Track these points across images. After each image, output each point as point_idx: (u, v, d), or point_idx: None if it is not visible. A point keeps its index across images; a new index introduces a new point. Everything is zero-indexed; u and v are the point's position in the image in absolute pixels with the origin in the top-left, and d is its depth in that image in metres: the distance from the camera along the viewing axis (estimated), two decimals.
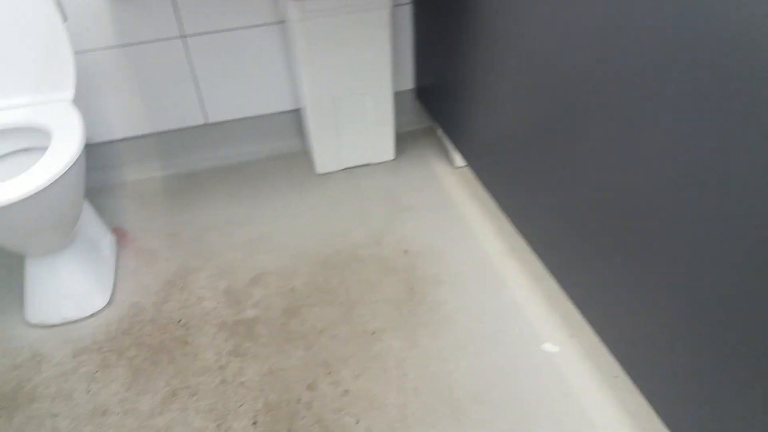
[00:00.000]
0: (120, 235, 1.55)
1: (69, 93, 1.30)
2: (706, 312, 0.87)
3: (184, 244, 1.53)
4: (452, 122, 1.66)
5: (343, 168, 1.77)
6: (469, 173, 1.74)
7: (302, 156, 1.83)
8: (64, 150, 1.12)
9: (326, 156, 1.72)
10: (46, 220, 1.13)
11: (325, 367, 1.23)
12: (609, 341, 1.12)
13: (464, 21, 1.42)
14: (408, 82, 1.87)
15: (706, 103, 0.78)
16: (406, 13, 1.73)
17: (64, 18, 1.27)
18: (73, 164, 1.11)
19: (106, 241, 1.46)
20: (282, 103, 1.78)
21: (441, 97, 1.69)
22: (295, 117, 1.82)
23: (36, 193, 1.03)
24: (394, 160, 1.80)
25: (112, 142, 1.68)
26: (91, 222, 1.42)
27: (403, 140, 1.87)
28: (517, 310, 1.34)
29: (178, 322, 1.33)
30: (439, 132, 1.86)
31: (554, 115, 1.13)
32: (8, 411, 1.17)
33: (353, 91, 1.61)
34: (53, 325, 1.32)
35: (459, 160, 1.74)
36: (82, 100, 1.59)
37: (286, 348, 1.27)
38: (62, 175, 1.08)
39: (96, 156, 1.70)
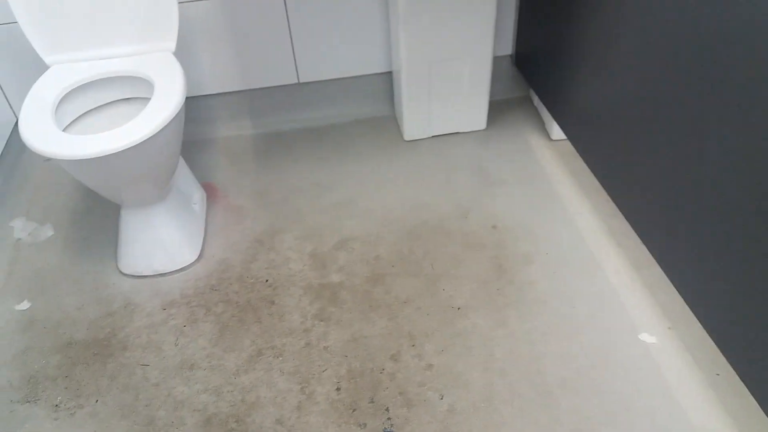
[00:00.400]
0: (210, 190, 1.56)
1: (171, 44, 1.30)
2: None
3: (271, 204, 1.53)
4: (553, 91, 1.56)
5: (431, 135, 1.71)
6: (566, 147, 1.64)
7: (390, 121, 1.78)
8: (167, 102, 1.12)
9: (415, 122, 1.66)
10: (146, 170, 1.14)
11: (408, 338, 1.20)
12: (717, 335, 1.03)
13: None
14: (507, 48, 1.77)
15: None
16: None
17: None
18: (175, 116, 1.11)
19: (198, 196, 1.47)
20: (374, 65, 1.73)
21: (542, 65, 1.59)
22: (385, 80, 1.76)
23: (140, 143, 1.04)
24: (485, 129, 1.73)
25: (205, 96, 1.69)
26: (184, 176, 1.43)
27: (497, 109, 1.78)
28: (612, 296, 1.26)
29: (265, 281, 1.33)
30: (536, 101, 1.76)
31: (673, 89, 1.02)
32: (102, 357, 1.21)
33: (450, 56, 1.53)
34: (144, 276, 1.36)
35: (557, 132, 1.65)
36: (178, 52, 1.60)
37: (369, 316, 1.25)
38: (164, 126, 1.08)
39: (189, 109, 1.72)
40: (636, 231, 1.25)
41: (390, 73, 1.75)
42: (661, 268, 1.17)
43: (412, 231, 1.44)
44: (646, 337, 1.19)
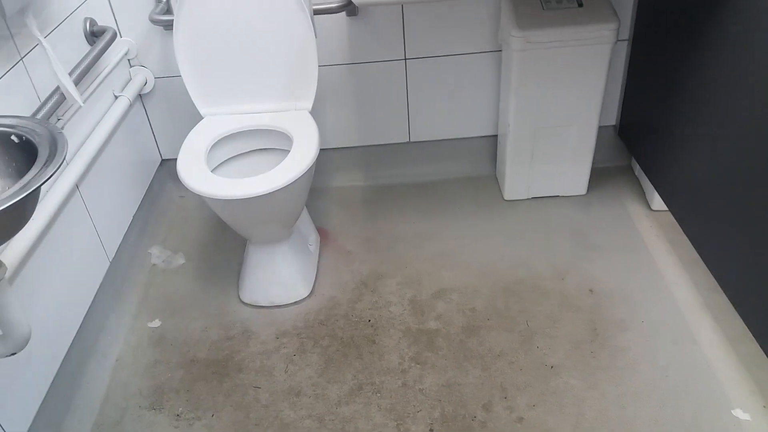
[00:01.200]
0: (324, 234, 1.71)
1: (309, 104, 1.48)
2: None
3: (377, 250, 1.65)
4: (655, 161, 1.60)
5: (531, 197, 1.79)
6: (666, 218, 1.67)
7: (491, 181, 1.88)
8: (304, 155, 1.29)
9: (516, 183, 1.75)
10: (278, 213, 1.30)
11: (501, 390, 1.26)
12: None
13: (687, 59, 1.38)
14: (611, 118, 1.84)
15: None
16: (622, 49, 1.71)
17: (315, 35, 1.44)
18: (309, 168, 1.26)
19: (313, 238, 1.63)
20: (481, 128, 1.85)
21: (645, 135, 1.65)
22: (489, 142, 1.87)
23: (278, 190, 1.20)
24: (585, 195, 1.78)
25: (326, 149, 1.87)
26: (304, 219, 1.59)
27: (598, 176, 1.84)
28: (706, 368, 1.27)
29: (368, 321, 1.44)
30: (638, 171, 1.80)
31: None
32: (219, 376, 1.35)
33: (557, 123, 1.62)
34: (262, 307, 1.50)
35: (657, 202, 1.68)
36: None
37: (463, 364, 1.32)
38: (301, 175, 1.24)
39: None
40: (735, 306, 1.26)
41: (494, 136, 1.86)
42: (759, 345, 1.17)
43: (508, 287, 1.51)
44: (739, 414, 1.18)
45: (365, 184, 1.91)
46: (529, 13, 1.48)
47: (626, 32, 1.68)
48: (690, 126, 1.38)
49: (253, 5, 1.38)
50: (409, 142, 1.87)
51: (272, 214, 1.29)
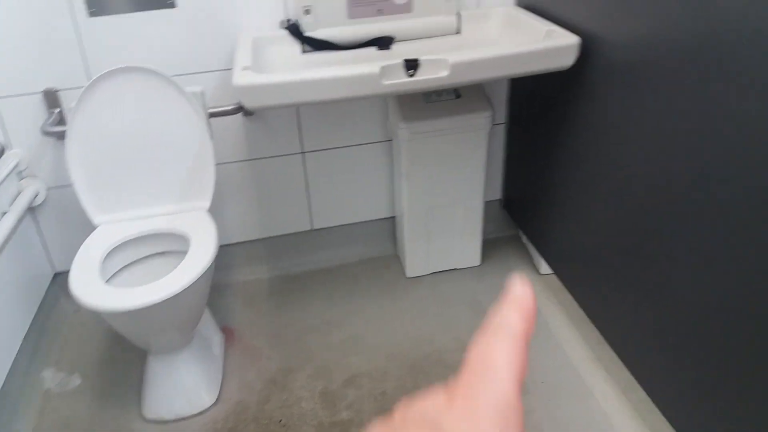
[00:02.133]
0: (228, 333, 1.69)
1: (206, 203, 1.50)
2: None
3: (284, 343, 1.65)
4: (538, 230, 1.74)
5: (431, 272, 1.87)
6: (554, 280, 1.79)
7: (394, 260, 1.95)
8: (201, 257, 1.29)
9: (416, 261, 1.83)
10: (177, 318, 1.29)
11: None
12: None
13: (556, 137, 1.54)
14: (496, 193, 1.98)
15: None
16: (500, 131, 1.88)
17: (211, 136, 1.48)
18: (207, 268, 1.27)
19: (217, 339, 1.60)
20: (380, 211, 1.93)
21: (528, 207, 1.79)
22: (389, 223, 1.96)
23: (174, 296, 1.19)
24: (480, 266, 1.89)
25: (228, 245, 1.87)
26: (206, 321, 1.57)
27: (490, 247, 1.96)
28: (604, 419, 1.35)
29: (279, 422, 1.42)
30: (525, 239, 1.94)
31: (647, 227, 1.19)
32: None
33: (447, 202, 1.74)
34: (167, 421, 1.43)
35: (544, 267, 1.80)
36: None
37: None
38: (198, 278, 1.24)
39: None
40: (620, 358, 1.36)
41: (392, 217, 1.95)
42: (645, 392, 1.27)
43: (415, 365, 1.55)
44: None
45: (270, 276, 1.92)
46: (413, 106, 1.61)
47: (502, 117, 1.86)
48: (564, 196, 1.53)
49: (148, 112, 1.41)
50: (311, 230, 1.91)
51: (170, 321, 1.28)
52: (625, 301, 1.30)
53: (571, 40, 1.28)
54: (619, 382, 1.44)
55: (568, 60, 1.30)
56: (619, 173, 1.25)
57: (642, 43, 1.11)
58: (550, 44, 1.27)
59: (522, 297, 0.25)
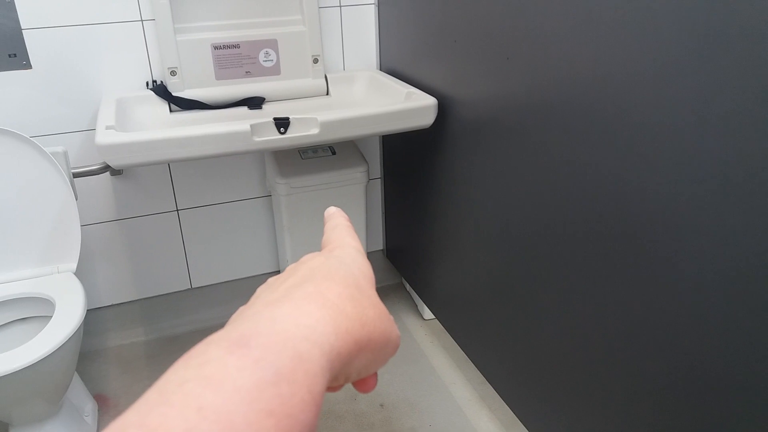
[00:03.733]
0: (102, 401, 1.59)
1: (73, 265, 1.42)
2: None
3: None
4: (419, 277, 1.81)
5: None
6: (436, 324, 1.86)
7: None
8: (67, 319, 1.22)
9: None
10: (42, 387, 1.19)
11: None
12: None
13: (426, 189, 1.63)
14: (378, 244, 2.04)
15: (619, 262, 0.94)
16: (377, 186, 1.96)
17: (76, 197, 1.43)
18: (74, 332, 1.20)
19: (89, 407, 1.50)
20: (263, 266, 1.92)
21: (408, 255, 1.86)
22: None
23: (40, 361, 1.11)
24: None
25: (99, 308, 1.78)
26: (77, 389, 1.46)
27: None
28: None
29: None
30: (408, 287, 2.00)
31: (512, 270, 1.29)
32: None
33: None
34: None
35: (427, 312, 1.87)
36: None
37: None
38: (64, 343, 1.16)
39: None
40: (501, 395, 1.43)
41: (276, 271, 1.94)
42: (526, 427, 1.34)
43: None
44: None
45: (147, 339, 1.83)
46: (290, 162, 1.65)
47: (378, 171, 1.94)
48: (439, 245, 1.61)
49: (4, 173, 1.34)
50: (191, 289, 1.86)
51: (32, 391, 1.19)
52: (499, 341, 1.38)
53: (429, 101, 1.39)
54: (503, 420, 1.50)
55: (428, 119, 1.40)
56: (482, 222, 1.35)
57: (486, 103, 1.22)
58: (410, 105, 1.37)
59: (335, 210, 0.39)
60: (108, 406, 1.58)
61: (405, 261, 1.91)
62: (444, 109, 1.41)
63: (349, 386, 1.61)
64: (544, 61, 1.03)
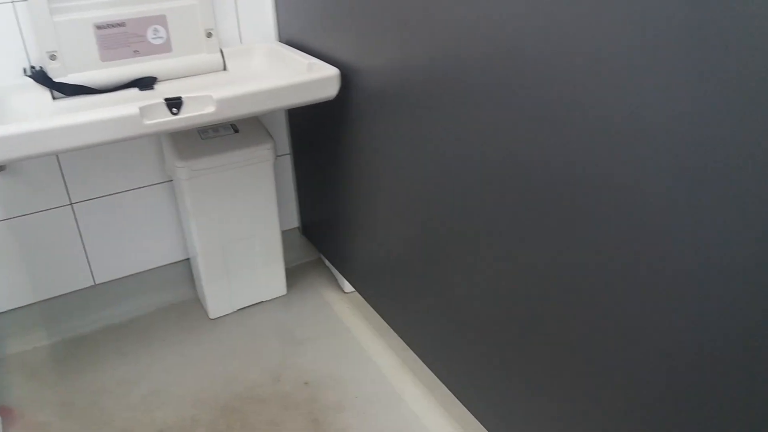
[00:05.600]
0: (6, 413, 1.48)
1: None
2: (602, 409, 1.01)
3: (77, 412, 1.49)
4: (337, 252, 1.80)
5: (236, 309, 1.83)
6: (357, 297, 1.86)
7: (194, 303, 1.87)
8: None
9: (218, 300, 1.78)
10: None
11: None
12: None
13: (337, 162, 1.61)
14: (293, 221, 2.01)
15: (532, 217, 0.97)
16: (287, 162, 1.91)
17: None
18: None
19: None
20: (172, 254, 1.84)
21: (324, 230, 1.84)
22: (184, 266, 1.88)
23: None
24: (286, 294, 1.89)
25: None
26: None
27: (294, 274, 1.97)
28: (416, 422, 1.42)
29: None
30: (327, 263, 1.99)
31: (427, 236, 1.29)
32: None
33: (242, 236, 1.71)
34: None
35: (348, 285, 1.86)
36: None
37: None
38: None
39: None
40: (422, 360, 1.45)
41: (187, 259, 1.87)
42: (448, 388, 1.37)
43: (227, 406, 1.49)
44: None
45: (52, 342, 1.72)
46: (189, 144, 1.57)
47: (286, 147, 1.89)
48: (355, 217, 1.60)
49: None
50: (95, 285, 1.76)
51: None
52: (418, 306, 1.40)
53: (331, 71, 1.36)
54: (426, 383, 1.53)
55: (331, 90, 1.37)
56: (393, 190, 1.34)
57: (390, 71, 1.21)
58: (312, 76, 1.33)
59: None
60: (12, 417, 1.47)
61: (322, 236, 1.88)
62: (348, 79, 1.39)
63: (271, 366, 1.60)
64: (443, 26, 1.03)
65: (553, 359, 1.00)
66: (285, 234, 1.95)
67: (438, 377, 1.41)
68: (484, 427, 1.27)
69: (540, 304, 0.99)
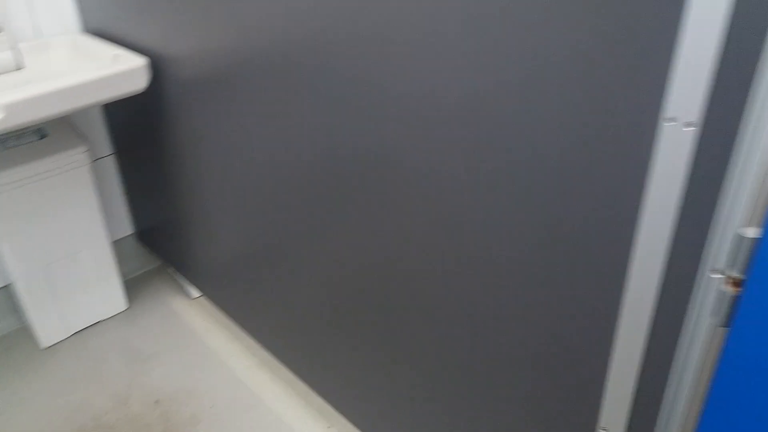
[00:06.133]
0: None
1: None
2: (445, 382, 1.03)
3: None
4: (178, 256, 1.69)
5: (72, 334, 1.66)
6: (205, 302, 1.77)
7: (21, 333, 1.67)
8: None
9: (48, 326, 1.60)
10: None
11: None
12: (364, 428, 1.23)
13: (163, 159, 1.50)
14: (126, 228, 1.85)
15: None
16: (110, 163, 1.75)
17: None
18: None
19: None
20: None
21: (163, 235, 1.72)
22: (5, 294, 1.67)
23: None
24: (128, 309, 1.75)
25: None
26: None
27: (134, 286, 1.83)
28: (277, 421, 1.39)
29: None
30: (170, 269, 1.87)
31: (262, 228, 1.24)
32: None
33: (66, 253, 1.55)
34: None
35: (194, 291, 1.77)
36: None
37: None
38: None
39: None
40: (277, 357, 1.42)
41: (6, 286, 1.66)
42: (304, 382, 1.35)
43: None
44: None
45: None
46: None
47: (106, 148, 1.73)
48: (190, 217, 1.50)
49: None
50: None
51: None
52: (265, 303, 1.35)
53: (138, 62, 1.26)
54: (284, 379, 1.50)
55: (140, 83, 1.27)
56: (224, 185, 1.28)
57: (200, 58, 1.14)
58: (117, 69, 1.22)
59: None
60: None
61: (161, 242, 1.76)
62: (160, 69, 1.29)
63: (117, 389, 1.47)
64: (245, 11, 0.98)
65: (382, 341, 1.01)
66: (118, 244, 1.80)
67: (293, 372, 1.38)
68: (342, 414, 1.27)
69: (366, 290, 0.99)
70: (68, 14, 1.53)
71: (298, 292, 1.22)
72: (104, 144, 1.72)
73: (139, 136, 1.56)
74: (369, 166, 0.88)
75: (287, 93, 0.97)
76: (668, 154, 0.53)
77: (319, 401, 1.43)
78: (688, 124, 0.51)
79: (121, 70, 1.23)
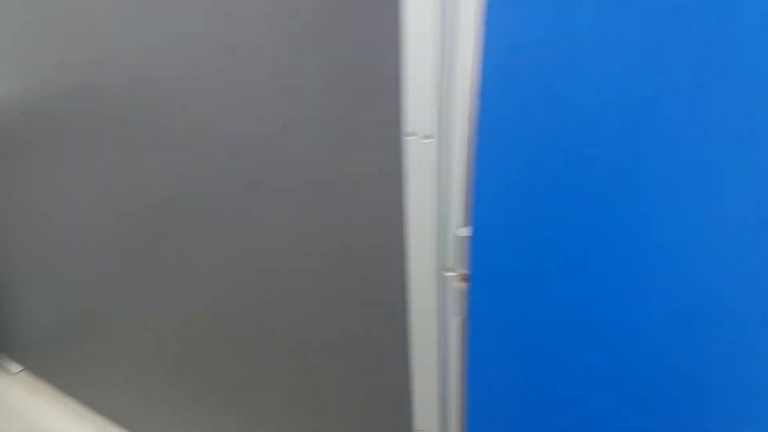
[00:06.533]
0: None
1: None
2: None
3: None
4: None
5: None
6: (27, 375, 1.63)
7: None
8: None
9: None
10: None
11: None
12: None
13: None
14: None
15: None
16: None
17: None
18: None
19: None
20: None
21: None
22: None
23: None
24: None
25: None
26: None
27: None
28: None
29: None
30: None
31: (78, 290, 1.18)
32: None
33: None
34: None
35: (15, 366, 1.62)
36: None
37: None
38: None
39: None
40: (106, 416, 1.34)
41: None
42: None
43: None
44: None
45: None
46: None
47: None
48: (5, 286, 1.39)
49: None
50: None
51: None
52: (90, 363, 1.28)
53: None
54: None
55: None
56: (37, 248, 1.21)
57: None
58: None
59: None
60: None
61: None
62: None
63: None
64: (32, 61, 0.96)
65: (213, 387, 1.01)
66: None
67: (122, 426, 1.32)
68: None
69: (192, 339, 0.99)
70: None
71: (125, 349, 1.18)
72: None
73: None
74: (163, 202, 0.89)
75: (85, 147, 0.96)
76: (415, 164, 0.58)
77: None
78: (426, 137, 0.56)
79: None
